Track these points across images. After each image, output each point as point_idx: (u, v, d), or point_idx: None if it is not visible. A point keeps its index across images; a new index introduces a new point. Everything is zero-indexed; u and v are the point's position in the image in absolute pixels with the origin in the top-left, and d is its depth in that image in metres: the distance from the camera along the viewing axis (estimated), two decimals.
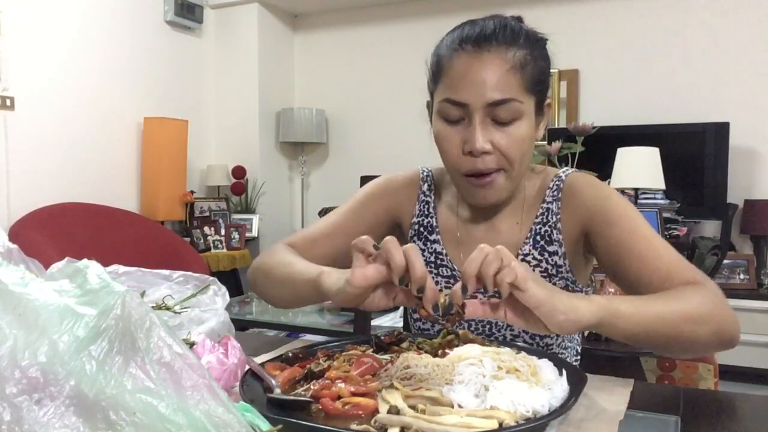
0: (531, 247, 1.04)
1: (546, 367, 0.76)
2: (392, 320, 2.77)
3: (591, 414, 0.74)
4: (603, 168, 2.93)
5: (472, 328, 1.05)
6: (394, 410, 0.64)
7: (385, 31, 4.69)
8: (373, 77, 4.72)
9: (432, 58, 1.01)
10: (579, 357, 1.15)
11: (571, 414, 0.72)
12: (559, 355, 0.97)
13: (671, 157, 3.35)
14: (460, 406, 0.66)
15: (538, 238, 1.03)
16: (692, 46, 3.83)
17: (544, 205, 1.04)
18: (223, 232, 4.31)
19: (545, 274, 1.02)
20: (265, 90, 4.69)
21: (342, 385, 0.72)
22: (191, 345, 0.80)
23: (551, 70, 1.02)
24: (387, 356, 0.83)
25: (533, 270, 1.01)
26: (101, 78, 3.86)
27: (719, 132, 3.57)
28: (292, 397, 0.71)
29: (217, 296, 0.98)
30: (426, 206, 1.13)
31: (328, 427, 0.63)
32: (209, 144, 4.73)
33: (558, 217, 1.03)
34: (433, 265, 1.09)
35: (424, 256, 1.10)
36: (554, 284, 0.91)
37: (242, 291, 4.21)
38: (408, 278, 0.72)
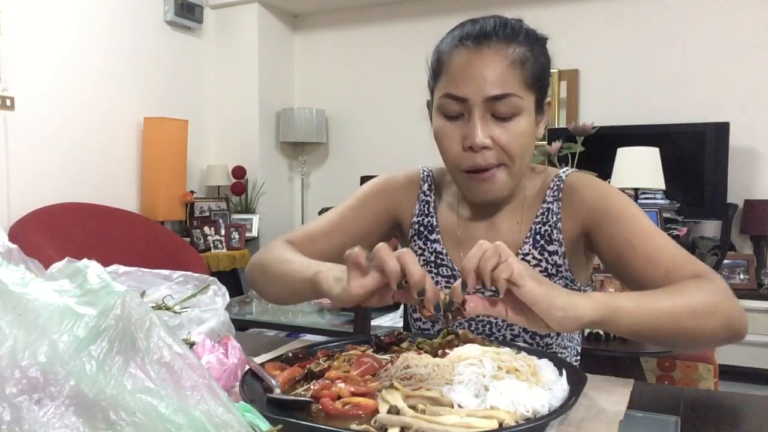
0: (531, 247, 1.04)
1: (546, 367, 0.76)
2: (392, 320, 2.77)
3: (591, 414, 0.74)
4: (603, 168, 2.93)
5: (472, 328, 1.05)
6: (394, 410, 0.64)
7: (385, 31, 4.69)
8: (373, 77, 4.72)
9: (432, 56, 1.01)
10: (579, 357, 1.15)
11: (571, 414, 0.72)
12: (559, 355, 0.97)
13: (671, 157, 3.35)
14: (460, 406, 0.66)
15: (538, 237, 1.03)
16: (692, 46, 3.83)
17: (545, 205, 1.04)
18: (223, 232, 4.31)
19: (545, 274, 1.02)
20: (265, 90, 4.69)
21: (342, 385, 0.72)
22: (191, 345, 0.80)
23: (551, 70, 1.02)
24: (387, 356, 0.83)
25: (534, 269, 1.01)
26: (101, 78, 3.86)
27: (719, 132, 3.57)
28: (292, 397, 0.71)
29: (217, 296, 0.98)
30: (426, 206, 1.13)
31: (328, 427, 0.63)
32: (209, 144, 4.73)
33: (558, 216, 1.03)
34: (433, 265, 1.09)
35: (424, 255, 1.11)
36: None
37: (242, 291, 4.21)
38: (406, 281, 0.72)
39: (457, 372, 0.72)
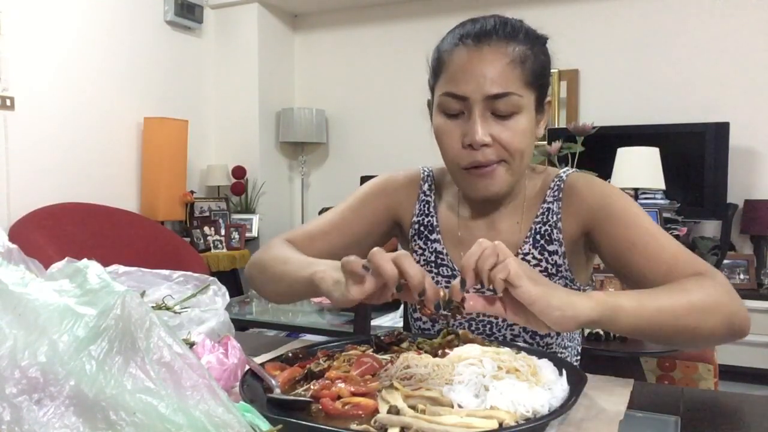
0: (531, 247, 1.04)
1: (546, 367, 0.76)
2: (392, 320, 2.77)
3: (591, 414, 0.74)
4: (603, 168, 2.92)
5: (473, 328, 1.06)
6: (394, 410, 0.64)
7: (385, 31, 4.69)
8: (373, 77, 4.72)
9: (433, 54, 1.02)
10: (579, 357, 1.15)
11: (571, 414, 0.72)
12: (559, 355, 0.97)
13: (671, 157, 3.35)
14: (460, 406, 0.66)
15: (538, 237, 1.04)
16: (692, 46, 3.83)
17: (545, 205, 1.04)
18: (223, 232, 4.31)
19: (545, 274, 1.02)
20: (265, 90, 4.69)
21: (342, 385, 0.72)
22: (191, 345, 0.80)
23: (551, 70, 1.02)
24: (387, 356, 0.83)
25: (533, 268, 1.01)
26: (101, 78, 3.86)
27: (719, 132, 3.57)
28: (292, 397, 0.71)
29: (217, 296, 0.98)
30: (426, 206, 1.13)
31: (328, 427, 0.63)
32: (209, 144, 4.73)
33: (558, 216, 1.03)
34: (433, 265, 1.09)
35: (424, 255, 1.11)
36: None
37: (242, 291, 4.21)
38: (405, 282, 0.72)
39: (457, 372, 0.72)
